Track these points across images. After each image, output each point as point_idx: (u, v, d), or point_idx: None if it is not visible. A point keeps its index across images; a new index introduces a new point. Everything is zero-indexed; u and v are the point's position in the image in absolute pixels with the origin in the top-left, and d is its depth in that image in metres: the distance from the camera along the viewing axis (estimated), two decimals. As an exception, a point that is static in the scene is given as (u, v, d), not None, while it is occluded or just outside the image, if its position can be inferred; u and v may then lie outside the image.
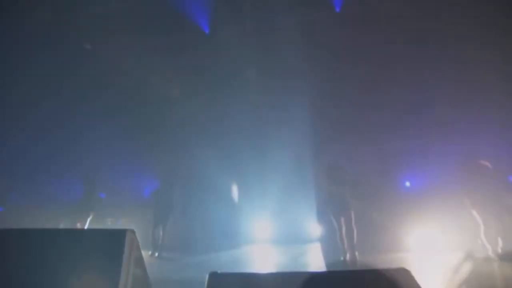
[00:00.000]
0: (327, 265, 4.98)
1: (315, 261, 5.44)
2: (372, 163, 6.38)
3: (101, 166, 7.93)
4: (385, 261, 4.84)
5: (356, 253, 4.88)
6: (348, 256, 4.92)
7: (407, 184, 7.34)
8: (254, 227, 8.18)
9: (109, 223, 7.65)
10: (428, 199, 5.53)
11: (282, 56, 7.51)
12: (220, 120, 8.27)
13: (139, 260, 1.13)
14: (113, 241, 0.99)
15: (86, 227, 6.20)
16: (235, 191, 8.49)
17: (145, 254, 5.92)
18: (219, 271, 0.96)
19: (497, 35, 5.70)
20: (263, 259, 6.08)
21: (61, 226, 7.15)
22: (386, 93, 6.55)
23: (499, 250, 4.55)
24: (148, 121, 8.45)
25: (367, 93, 6.79)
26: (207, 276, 0.96)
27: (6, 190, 7.85)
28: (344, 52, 7.04)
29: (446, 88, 6.19)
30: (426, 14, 6.25)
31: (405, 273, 0.96)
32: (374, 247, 5.41)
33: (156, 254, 5.78)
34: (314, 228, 7.85)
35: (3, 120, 7.58)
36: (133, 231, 1.02)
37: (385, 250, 5.51)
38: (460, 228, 5.25)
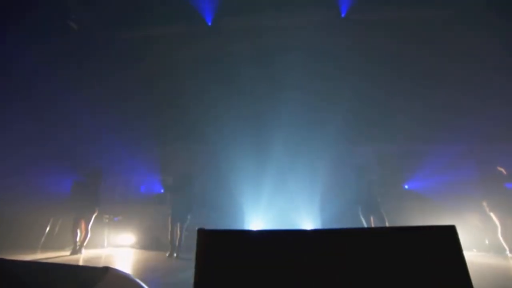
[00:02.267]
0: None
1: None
2: (389, 165, 6.56)
3: (98, 160, 7.22)
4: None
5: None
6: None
7: (406, 187, 7.73)
8: (257, 227, 8.04)
9: (106, 221, 7.01)
10: (447, 201, 5.81)
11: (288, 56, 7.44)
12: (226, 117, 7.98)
13: None
14: (438, 239, 0.83)
15: (90, 224, 5.57)
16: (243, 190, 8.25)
17: (162, 255, 5.50)
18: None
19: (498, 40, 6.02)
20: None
21: (51, 222, 6.39)
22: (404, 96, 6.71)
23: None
24: (150, 115, 7.90)
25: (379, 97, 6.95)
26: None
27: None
28: (354, 52, 7.10)
29: (457, 93, 6.40)
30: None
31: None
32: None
33: (175, 255, 5.34)
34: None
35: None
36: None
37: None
38: (475, 229, 5.61)
